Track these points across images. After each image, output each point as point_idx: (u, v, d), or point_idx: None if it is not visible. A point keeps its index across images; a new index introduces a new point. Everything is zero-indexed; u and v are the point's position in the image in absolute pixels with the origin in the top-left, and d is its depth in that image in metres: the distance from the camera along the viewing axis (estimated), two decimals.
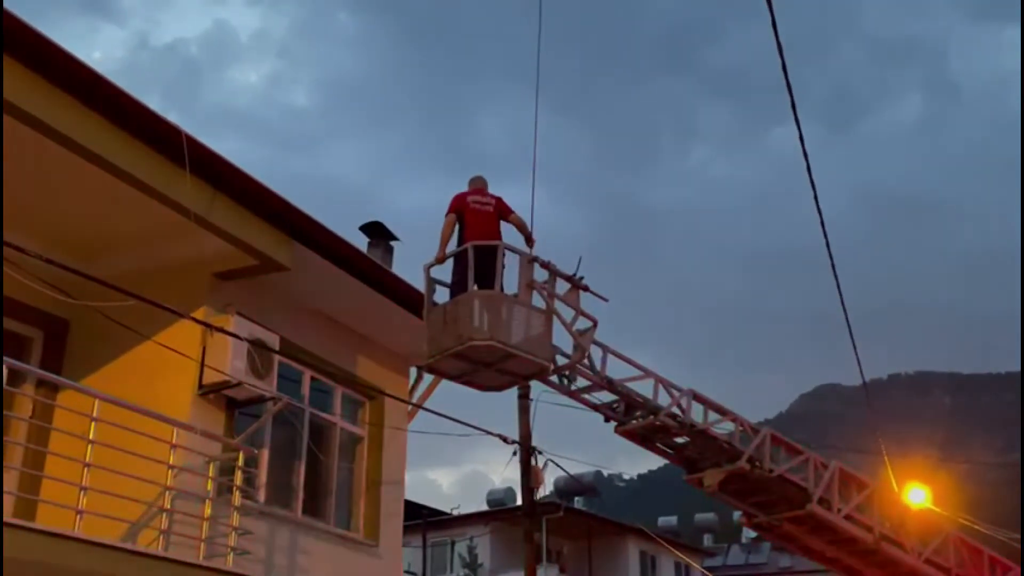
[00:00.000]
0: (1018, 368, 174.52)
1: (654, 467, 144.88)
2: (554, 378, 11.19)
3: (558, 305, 10.46)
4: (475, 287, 9.83)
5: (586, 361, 11.08)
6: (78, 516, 8.11)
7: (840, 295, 12.34)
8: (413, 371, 13.51)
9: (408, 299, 11.93)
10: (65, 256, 9.02)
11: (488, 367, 10.15)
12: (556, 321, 10.41)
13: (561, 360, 10.82)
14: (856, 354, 14.00)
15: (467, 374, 10.37)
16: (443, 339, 9.94)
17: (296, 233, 10.32)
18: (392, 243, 13.95)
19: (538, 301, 10.26)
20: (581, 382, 11.54)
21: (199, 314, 9.85)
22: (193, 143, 8.95)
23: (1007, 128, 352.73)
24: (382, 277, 11.72)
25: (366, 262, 11.55)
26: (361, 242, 13.52)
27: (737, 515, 46.17)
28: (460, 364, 10.13)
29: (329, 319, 11.97)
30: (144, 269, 10.14)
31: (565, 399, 11.84)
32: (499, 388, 11.02)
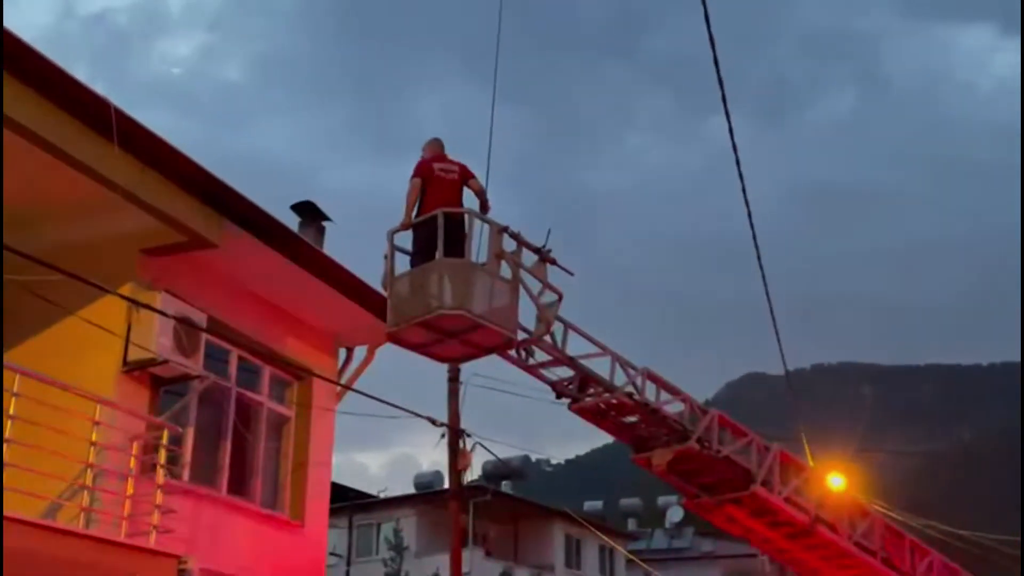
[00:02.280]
0: (938, 361, 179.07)
1: (581, 452, 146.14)
2: (512, 352, 10.98)
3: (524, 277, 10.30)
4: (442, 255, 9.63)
5: (547, 336, 10.97)
6: None
7: (764, 284, 12.54)
8: (342, 352, 13.49)
9: (339, 280, 11.91)
10: None
11: (452, 337, 9.98)
12: (522, 293, 10.24)
13: (521, 335, 10.62)
14: (779, 343, 14.25)
15: (430, 344, 10.18)
16: (408, 307, 9.77)
17: (225, 210, 10.23)
18: (324, 223, 13.87)
19: (504, 272, 10.08)
20: (539, 356, 11.37)
21: (125, 290, 9.72)
22: (121, 116, 8.83)
23: (934, 124, 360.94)
24: (313, 257, 11.68)
25: (297, 241, 11.50)
26: (292, 221, 13.44)
27: (662, 500, 46.58)
28: (424, 333, 9.93)
29: (258, 298, 11.89)
30: (70, 243, 9.96)
31: (495, 383, 11.84)
32: (459, 359, 10.83)
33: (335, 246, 13.49)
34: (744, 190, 10.88)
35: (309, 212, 13.57)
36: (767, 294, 12.76)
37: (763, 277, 12.55)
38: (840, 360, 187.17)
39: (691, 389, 13.26)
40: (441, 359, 10.59)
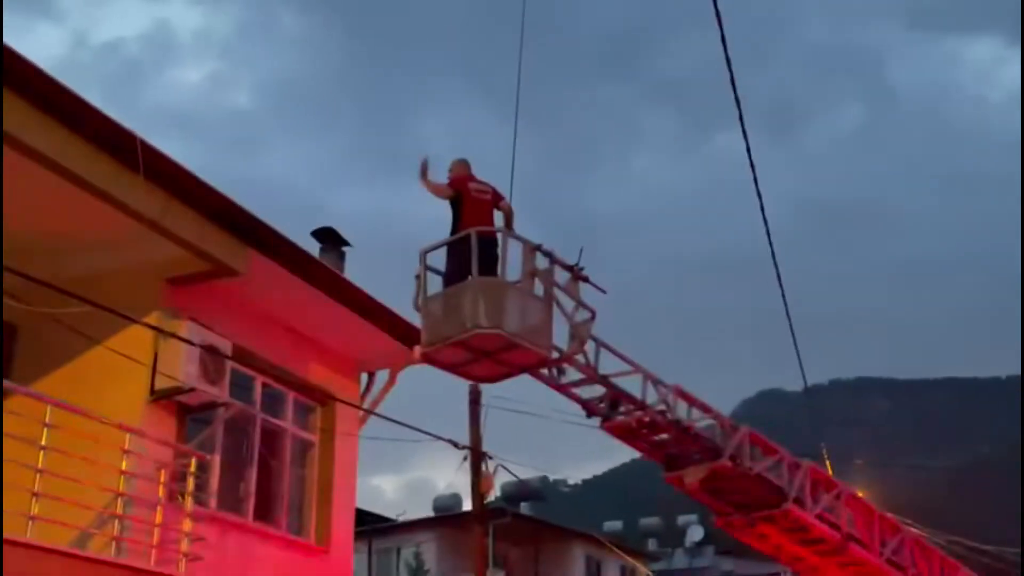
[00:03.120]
0: (955, 374, 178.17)
1: (599, 472, 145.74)
2: (544, 371, 10.80)
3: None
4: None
5: (580, 355, 10.79)
6: (30, 522, 8.05)
7: (784, 301, 12.55)
8: (364, 376, 13.54)
9: (361, 305, 11.98)
10: (14, 259, 8.92)
11: (486, 357, 9.89)
12: (555, 311, 10.10)
13: (554, 353, 10.39)
14: (799, 359, 14.24)
15: (465, 364, 10.08)
16: (443, 327, 9.68)
17: (250, 239, 10.32)
18: (344, 248, 13.97)
19: (538, 290, 9.99)
20: (571, 375, 11.16)
21: (151, 319, 9.82)
22: (147, 148, 8.94)
23: (942, 137, 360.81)
24: (335, 282, 11.76)
25: (319, 268, 11.59)
26: (313, 247, 13.52)
27: (682, 519, 46.26)
28: (460, 353, 9.82)
29: (282, 324, 11.96)
30: (96, 273, 10.06)
31: (513, 403, 11.76)
32: (494, 379, 10.73)
33: (352, 265, 13.61)
34: (763, 208, 10.91)
35: (330, 238, 13.67)
36: (787, 310, 12.75)
37: (783, 294, 12.57)
38: (857, 375, 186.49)
39: None
40: (475, 379, 10.51)
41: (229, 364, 10.39)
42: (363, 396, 13.45)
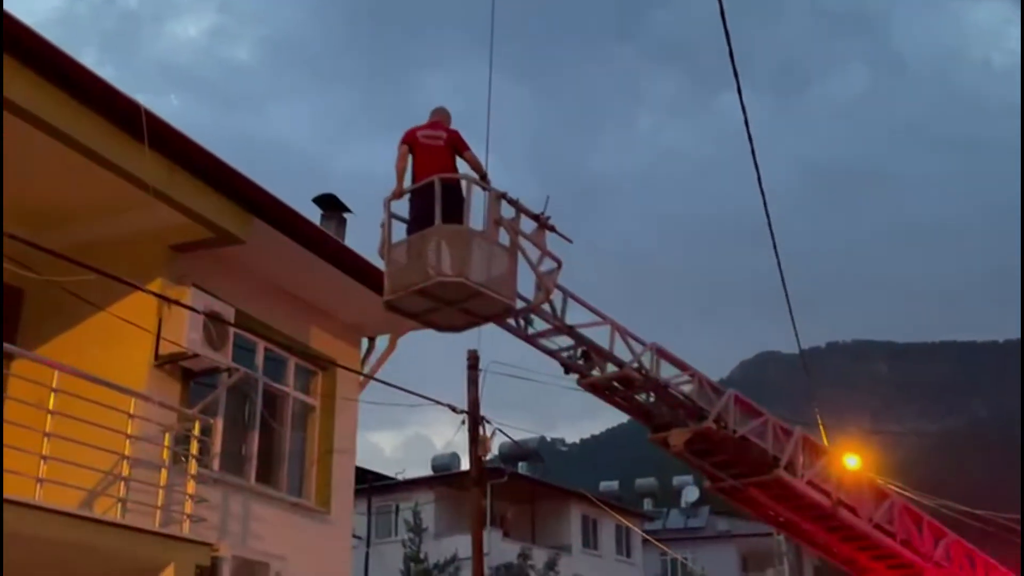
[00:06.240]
0: (954, 337, 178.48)
1: (596, 431, 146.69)
2: (511, 321, 10.74)
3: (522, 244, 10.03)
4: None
5: (546, 305, 10.73)
6: (38, 484, 8.26)
7: (779, 264, 12.50)
8: (364, 341, 13.71)
9: (361, 271, 12.10)
10: (20, 227, 9.07)
11: (450, 305, 9.77)
12: (520, 261, 10.00)
13: (521, 303, 10.36)
14: (793, 322, 14.26)
15: (428, 312, 9.98)
16: (406, 275, 9.57)
17: (252, 207, 10.43)
18: (345, 215, 14.09)
19: (503, 239, 9.85)
20: (538, 325, 11.10)
21: (155, 286, 9.98)
22: (152, 118, 9.04)
23: (949, 101, 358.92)
24: (336, 250, 11.89)
25: (321, 235, 11.72)
26: (314, 213, 13.66)
27: (677, 479, 46.43)
28: (422, 302, 9.72)
29: (283, 291, 12.12)
30: (100, 240, 10.20)
31: (514, 370, 11.79)
32: (458, 328, 10.64)
33: (353, 231, 13.72)
34: (759, 176, 10.92)
35: (331, 204, 13.79)
36: (780, 272, 12.73)
37: (776, 256, 12.52)
38: (855, 338, 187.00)
39: (705, 369, 13.06)
40: (439, 328, 10.32)
41: (232, 330, 10.55)
42: (364, 361, 13.63)
